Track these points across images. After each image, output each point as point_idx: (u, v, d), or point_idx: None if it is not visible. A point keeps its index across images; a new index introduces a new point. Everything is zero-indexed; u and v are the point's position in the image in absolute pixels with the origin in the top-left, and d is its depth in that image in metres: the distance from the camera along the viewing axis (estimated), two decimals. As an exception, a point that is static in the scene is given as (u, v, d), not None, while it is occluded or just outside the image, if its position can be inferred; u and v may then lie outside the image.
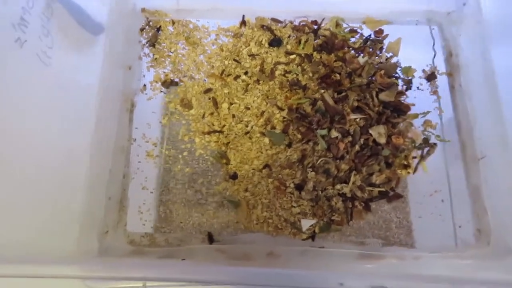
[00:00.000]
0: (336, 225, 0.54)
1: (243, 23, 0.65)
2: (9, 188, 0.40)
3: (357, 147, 0.55)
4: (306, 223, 0.53)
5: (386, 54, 0.63)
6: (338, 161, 0.55)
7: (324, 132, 0.56)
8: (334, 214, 0.54)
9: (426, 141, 0.59)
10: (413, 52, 0.63)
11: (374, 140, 0.56)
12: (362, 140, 0.56)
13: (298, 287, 0.37)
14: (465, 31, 0.63)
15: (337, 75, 0.59)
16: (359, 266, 0.50)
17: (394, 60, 0.63)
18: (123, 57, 0.60)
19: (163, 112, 0.61)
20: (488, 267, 0.49)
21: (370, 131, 0.55)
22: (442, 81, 0.63)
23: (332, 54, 0.62)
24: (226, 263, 0.48)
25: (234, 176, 0.56)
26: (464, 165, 0.57)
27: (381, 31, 0.64)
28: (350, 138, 0.56)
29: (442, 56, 0.64)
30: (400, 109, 0.58)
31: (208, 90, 0.61)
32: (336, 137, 0.56)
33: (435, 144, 0.58)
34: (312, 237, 0.54)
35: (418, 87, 0.62)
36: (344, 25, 0.65)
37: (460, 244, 0.54)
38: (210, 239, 0.54)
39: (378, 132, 0.55)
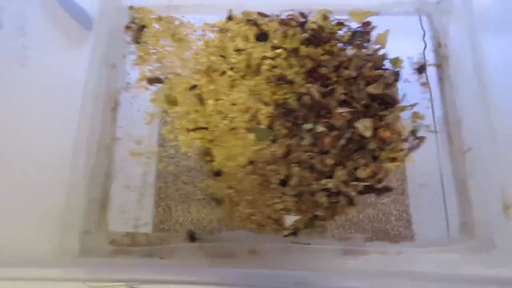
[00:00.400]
0: (320, 220, 0.54)
1: (229, 18, 0.64)
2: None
3: (342, 141, 0.55)
4: (289, 219, 0.53)
5: (374, 46, 0.62)
6: (323, 155, 0.55)
7: (309, 126, 0.56)
8: (318, 209, 0.54)
9: (413, 133, 0.58)
10: (402, 43, 0.62)
11: (360, 134, 0.55)
12: (348, 134, 0.55)
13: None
14: (454, 21, 0.61)
15: (324, 68, 0.58)
16: (342, 263, 0.49)
17: (382, 51, 0.62)
18: (107, 55, 0.60)
19: (147, 110, 0.60)
20: (471, 261, 0.48)
21: (356, 125, 0.55)
22: (431, 72, 0.61)
23: (319, 47, 0.61)
24: (207, 261, 0.49)
25: (218, 173, 0.56)
26: (451, 158, 0.56)
27: (368, 23, 0.63)
28: (336, 132, 0.55)
29: (432, 47, 0.62)
30: (387, 102, 0.57)
31: (194, 87, 0.60)
32: (322, 132, 0.55)
33: (423, 136, 0.57)
34: (294, 233, 0.53)
35: (407, 79, 0.61)
36: (332, 18, 0.64)
37: (444, 237, 0.53)
38: (192, 237, 0.54)
39: (364, 125, 0.55)
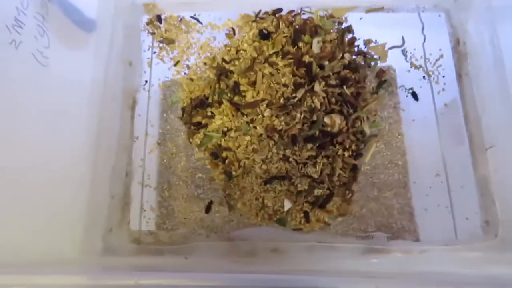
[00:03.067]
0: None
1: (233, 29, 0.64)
2: (11, 190, 0.40)
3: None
4: (288, 204, 0.53)
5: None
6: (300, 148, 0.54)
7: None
8: (307, 198, 0.54)
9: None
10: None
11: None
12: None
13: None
14: (473, 18, 0.61)
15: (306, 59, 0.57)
16: (365, 262, 0.49)
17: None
18: (124, 53, 0.59)
19: (164, 110, 0.60)
20: (496, 260, 0.48)
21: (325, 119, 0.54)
22: (450, 69, 0.61)
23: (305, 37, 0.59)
24: (228, 260, 0.48)
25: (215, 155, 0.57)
26: (471, 156, 0.56)
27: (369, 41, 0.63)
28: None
29: (450, 44, 0.62)
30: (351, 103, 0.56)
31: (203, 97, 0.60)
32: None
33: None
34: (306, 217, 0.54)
35: (424, 77, 0.61)
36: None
37: (466, 237, 0.53)
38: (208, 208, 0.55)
39: (333, 120, 0.55)
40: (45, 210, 0.44)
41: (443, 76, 0.60)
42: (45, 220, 0.44)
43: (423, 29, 0.63)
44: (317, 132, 0.54)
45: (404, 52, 0.62)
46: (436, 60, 0.61)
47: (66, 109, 0.48)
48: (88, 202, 0.49)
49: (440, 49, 0.61)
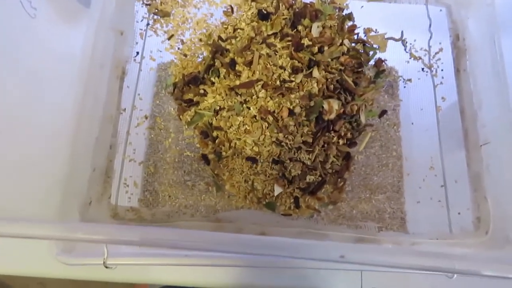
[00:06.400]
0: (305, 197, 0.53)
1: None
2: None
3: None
4: (278, 189, 0.51)
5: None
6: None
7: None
8: (297, 184, 0.52)
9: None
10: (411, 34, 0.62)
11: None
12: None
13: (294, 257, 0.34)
14: (474, 14, 0.60)
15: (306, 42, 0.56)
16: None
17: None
18: (115, 21, 0.56)
19: (159, 91, 0.58)
20: (484, 256, 0.47)
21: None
22: (449, 64, 0.60)
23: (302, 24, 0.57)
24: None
25: (205, 134, 0.55)
26: (466, 152, 0.55)
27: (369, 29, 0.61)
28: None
29: (450, 39, 0.61)
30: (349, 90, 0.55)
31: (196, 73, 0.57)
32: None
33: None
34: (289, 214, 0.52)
35: (422, 69, 0.60)
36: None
37: (457, 232, 0.52)
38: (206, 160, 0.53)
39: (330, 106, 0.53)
40: (22, 174, 0.41)
41: (442, 70, 0.60)
42: (21, 186, 0.41)
43: (427, 23, 0.62)
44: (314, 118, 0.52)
45: (404, 43, 0.61)
46: (436, 53, 0.60)
47: (51, 70, 0.46)
48: (68, 171, 0.46)
49: (440, 43, 0.61)
